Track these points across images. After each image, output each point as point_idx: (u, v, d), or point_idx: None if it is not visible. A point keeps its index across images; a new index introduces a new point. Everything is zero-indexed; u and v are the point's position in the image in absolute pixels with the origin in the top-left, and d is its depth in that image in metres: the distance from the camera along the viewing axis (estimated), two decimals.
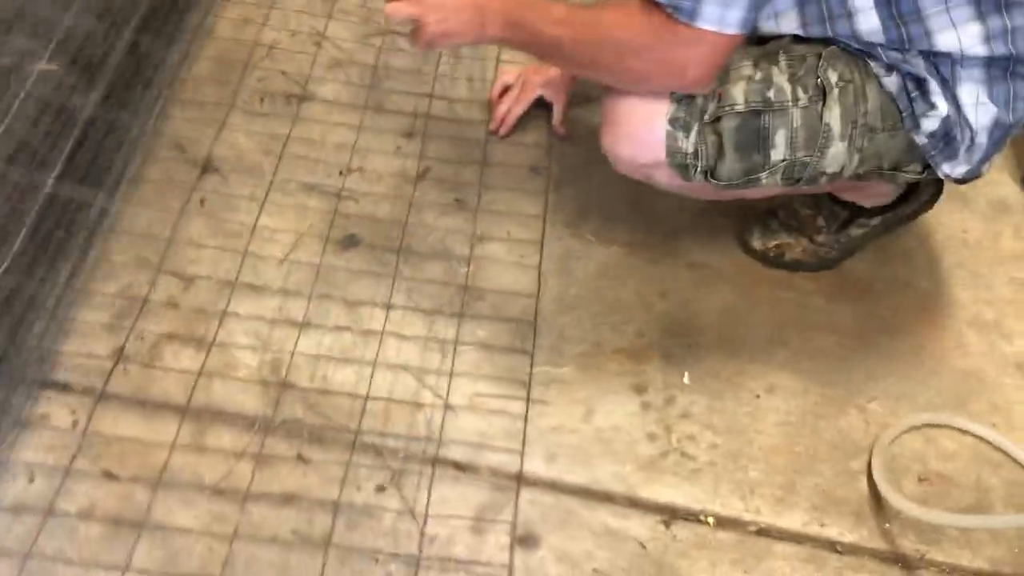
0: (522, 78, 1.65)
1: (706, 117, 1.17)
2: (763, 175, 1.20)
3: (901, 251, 1.57)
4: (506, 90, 1.68)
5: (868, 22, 1.14)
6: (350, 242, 1.51)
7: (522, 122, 1.69)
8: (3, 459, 1.19)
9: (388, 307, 1.41)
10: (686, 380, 1.38)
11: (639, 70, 1.13)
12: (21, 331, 1.27)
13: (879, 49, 1.16)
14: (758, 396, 1.37)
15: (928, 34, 1.12)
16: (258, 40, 1.80)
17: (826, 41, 1.19)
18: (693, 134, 1.18)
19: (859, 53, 1.18)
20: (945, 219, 1.60)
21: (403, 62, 1.78)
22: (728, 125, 1.17)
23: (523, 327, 1.41)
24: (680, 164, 1.20)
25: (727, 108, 1.17)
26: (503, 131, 1.67)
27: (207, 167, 1.59)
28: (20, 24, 1.34)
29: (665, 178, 1.24)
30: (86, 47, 1.41)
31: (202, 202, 1.54)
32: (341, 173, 1.61)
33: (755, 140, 1.17)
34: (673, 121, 1.18)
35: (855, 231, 1.47)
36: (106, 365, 1.31)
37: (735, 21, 1.06)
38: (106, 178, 1.47)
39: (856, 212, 1.45)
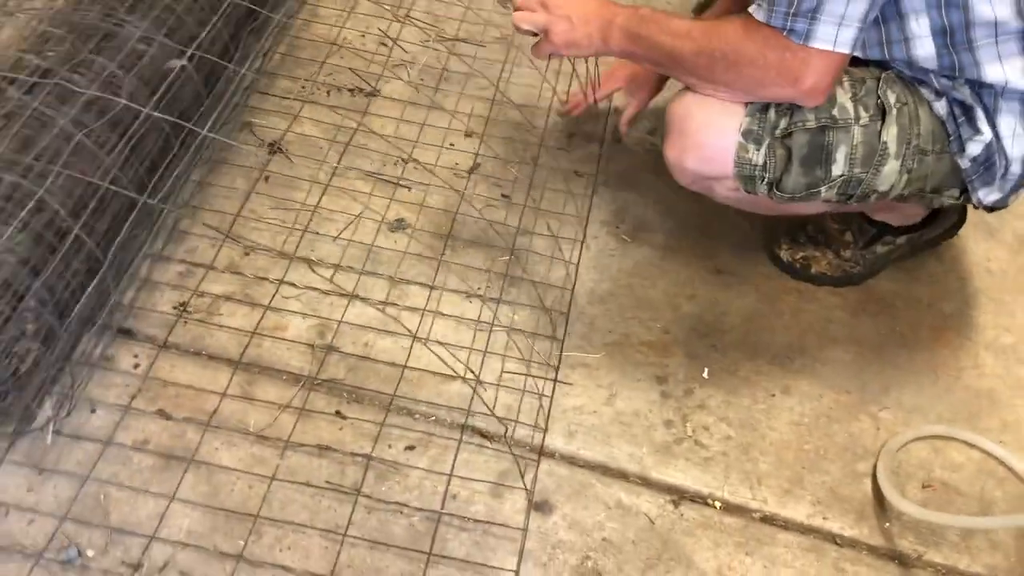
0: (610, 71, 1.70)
1: (777, 132, 1.24)
2: (823, 189, 1.26)
3: (926, 274, 1.62)
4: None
5: (924, 48, 1.22)
6: (400, 226, 1.61)
7: (572, 129, 1.78)
8: (70, 393, 1.30)
9: (431, 287, 1.51)
10: (705, 375, 1.45)
11: (756, 78, 1.20)
12: (96, 283, 1.39)
13: (931, 75, 1.24)
14: (773, 395, 1.44)
15: (977, 64, 1.20)
16: (328, 38, 1.92)
17: (881, 64, 1.27)
18: (764, 147, 1.24)
19: (912, 79, 1.26)
20: (971, 248, 1.66)
21: (464, 67, 1.89)
22: (798, 140, 1.24)
23: (556, 316, 1.50)
24: (747, 176, 1.27)
25: (799, 124, 1.24)
26: (575, 112, 1.74)
27: (275, 150, 1.70)
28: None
29: (726, 190, 1.32)
30: (196, 42, 1.53)
31: (267, 179, 1.66)
32: (397, 163, 1.72)
33: (819, 155, 1.24)
34: (746, 133, 1.25)
35: (880, 248, 1.54)
36: (169, 318, 1.42)
37: (847, 41, 1.14)
38: (189, 155, 1.58)
39: (884, 230, 1.52)
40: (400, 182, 1.68)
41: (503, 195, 1.68)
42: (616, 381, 1.43)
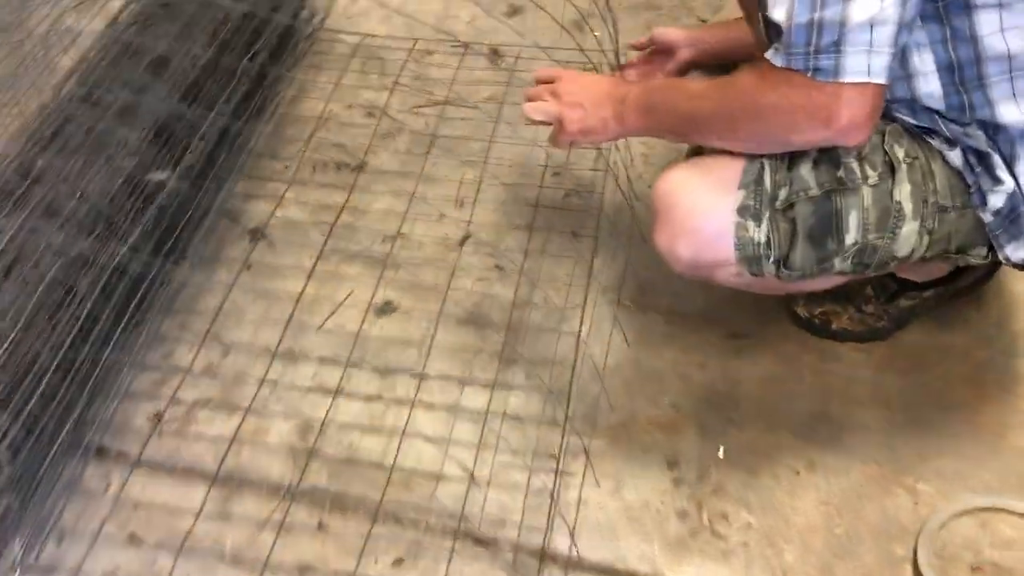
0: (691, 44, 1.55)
1: (778, 204, 1.13)
2: (836, 261, 1.14)
3: (959, 319, 1.49)
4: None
5: (929, 86, 1.10)
6: (388, 309, 1.53)
7: (570, 183, 1.69)
8: (38, 520, 1.22)
9: (420, 376, 1.42)
10: (721, 454, 1.33)
11: (784, 124, 1.06)
12: (67, 398, 1.32)
13: (939, 121, 1.12)
14: (797, 473, 1.31)
15: (990, 103, 1.08)
16: (314, 113, 1.86)
17: (881, 115, 1.15)
18: (765, 222, 1.13)
19: (918, 129, 1.14)
20: (1008, 285, 1.52)
21: (454, 131, 1.81)
22: (802, 211, 1.12)
23: (556, 396, 1.39)
24: (751, 257, 1.14)
25: (800, 193, 1.12)
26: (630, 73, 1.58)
27: (257, 237, 1.64)
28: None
29: (728, 275, 1.19)
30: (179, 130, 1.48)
31: (249, 268, 1.59)
32: (384, 240, 1.63)
33: (828, 224, 1.12)
34: (743, 210, 1.13)
35: (905, 302, 1.41)
36: (142, 431, 1.35)
37: (881, 69, 1.01)
38: (173, 250, 1.52)
39: (905, 284, 1.39)
40: (388, 261, 1.59)
41: (497, 266, 1.59)
42: (622, 468, 1.32)
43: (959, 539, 1.24)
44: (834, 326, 1.45)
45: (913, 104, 1.12)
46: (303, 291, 1.53)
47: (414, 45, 1.99)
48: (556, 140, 1.30)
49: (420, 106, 1.87)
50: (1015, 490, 1.29)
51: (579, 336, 1.45)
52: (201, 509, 1.26)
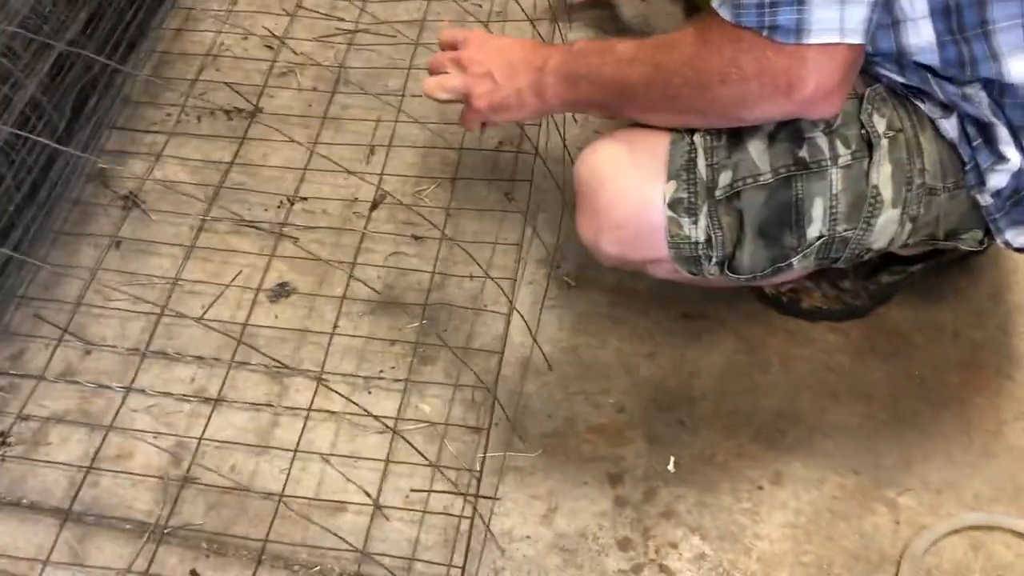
0: None
1: (718, 193, 0.91)
2: (795, 260, 0.93)
3: (950, 290, 1.28)
4: None
5: (919, 35, 0.86)
6: (282, 292, 1.29)
7: (502, 130, 1.44)
8: None
9: (319, 378, 1.19)
10: (671, 467, 1.13)
11: (734, 98, 0.84)
12: None
13: (931, 80, 0.88)
14: (760, 487, 1.12)
15: (995, 56, 0.84)
16: (202, 49, 1.58)
17: (862, 71, 0.91)
18: (703, 218, 0.91)
19: (906, 91, 0.91)
20: (1005, 252, 1.30)
21: (367, 63, 1.55)
22: (750, 202, 0.90)
23: (479, 398, 1.18)
24: (688, 257, 0.94)
25: (747, 180, 0.90)
26: None
27: (129, 205, 1.38)
28: None
29: (664, 272, 0.99)
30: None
31: (118, 245, 1.34)
32: (280, 205, 1.39)
33: (786, 216, 0.90)
34: (675, 204, 0.92)
35: (887, 278, 1.20)
36: None
37: (858, 23, 0.78)
38: (25, 218, 1.26)
39: (888, 258, 1.17)
40: (283, 231, 1.35)
41: (414, 236, 1.35)
42: (557, 488, 1.12)
43: (948, 564, 1.07)
44: (805, 304, 1.24)
45: (900, 59, 0.88)
46: (179, 272, 1.29)
47: None
48: (464, 120, 1.05)
49: (327, 36, 1.60)
50: (1011, 500, 1.11)
51: (507, 323, 1.22)
52: (49, 556, 1.05)
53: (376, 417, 1.07)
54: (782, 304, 1.26)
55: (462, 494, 1.09)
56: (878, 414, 1.18)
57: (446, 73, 1.04)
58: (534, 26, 1.50)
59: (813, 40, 0.78)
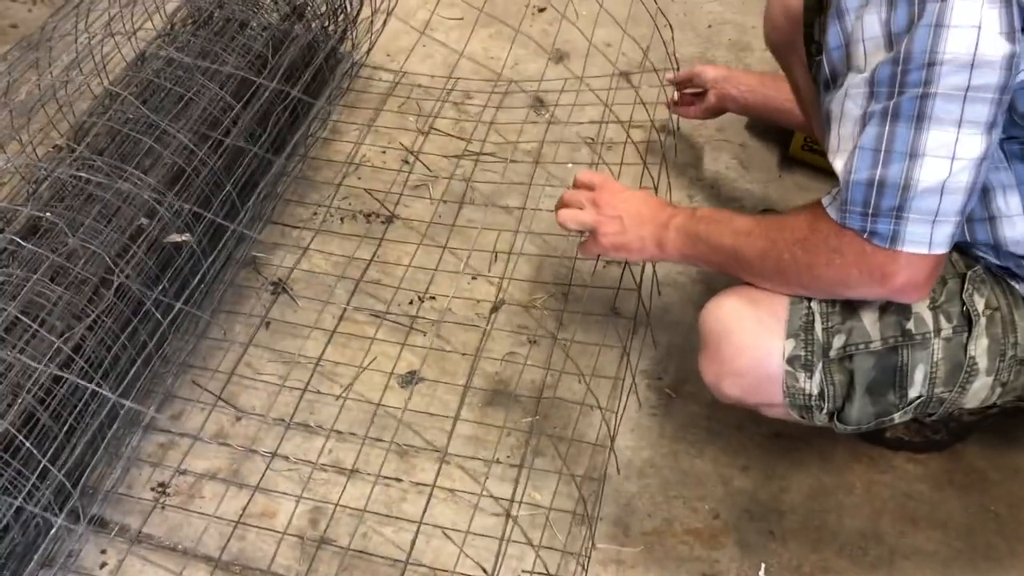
0: (716, 88, 1.62)
1: (832, 354, 1.04)
2: (896, 415, 1.05)
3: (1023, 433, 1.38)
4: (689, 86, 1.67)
5: (1015, 230, 1.00)
6: (411, 379, 1.44)
7: (606, 259, 1.59)
8: None
9: (443, 459, 1.32)
10: (762, 574, 1.23)
11: (835, 279, 0.98)
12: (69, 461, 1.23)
13: None
14: None
15: None
16: (345, 158, 1.77)
17: (962, 252, 1.05)
18: (817, 374, 1.04)
19: (1001, 272, 1.04)
20: None
21: (491, 180, 1.73)
22: (861, 365, 1.03)
23: (587, 491, 1.30)
24: (801, 406, 1.06)
25: (860, 346, 1.03)
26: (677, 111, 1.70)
27: (279, 291, 1.55)
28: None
29: (777, 414, 1.11)
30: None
31: (268, 326, 1.50)
32: (412, 303, 1.54)
33: (891, 379, 1.03)
34: (792, 360, 1.04)
35: (967, 418, 1.30)
36: (145, 503, 1.26)
37: (944, 240, 0.92)
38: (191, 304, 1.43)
39: None
40: (414, 326, 1.50)
41: (529, 340, 1.49)
42: None
43: None
44: (888, 434, 1.35)
45: (997, 247, 1.02)
46: (322, 354, 1.44)
47: (453, 86, 1.90)
48: (586, 249, 1.22)
49: (456, 155, 1.78)
50: None
51: (618, 423, 1.35)
52: None
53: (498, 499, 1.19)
54: (867, 433, 1.36)
55: None
56: (954, 542, 1.27)
57: (580, 208, 1.20)
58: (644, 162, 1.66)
59: (906, 249, 0.92)
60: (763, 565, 1.24)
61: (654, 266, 1.52)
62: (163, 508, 1.26)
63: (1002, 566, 1.24)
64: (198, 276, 1.29)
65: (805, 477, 1.33)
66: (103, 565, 1.20)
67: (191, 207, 1.29)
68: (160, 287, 1.23)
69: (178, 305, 1.21)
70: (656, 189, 1.51)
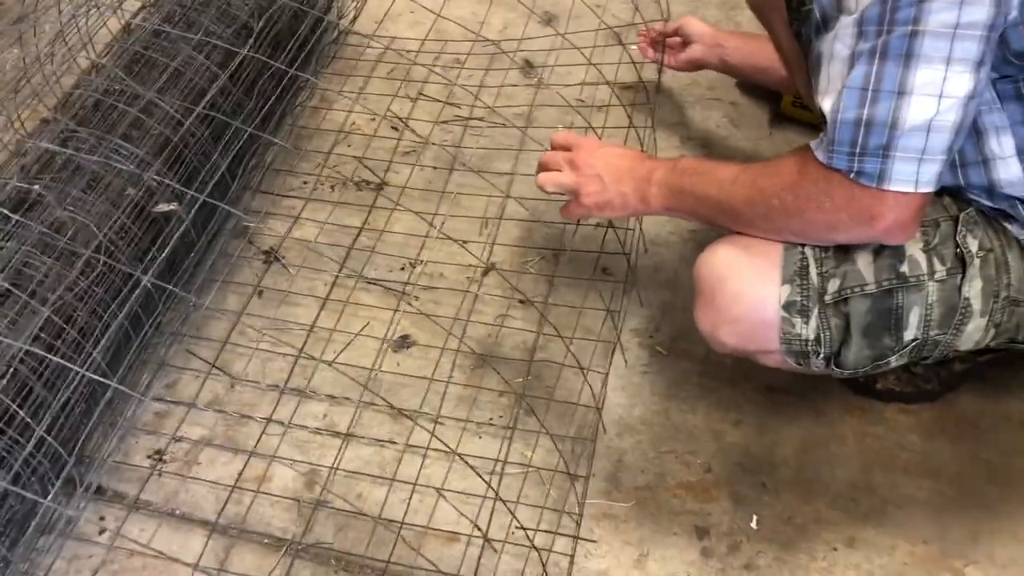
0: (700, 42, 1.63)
1: (827, 298, 1.04)
2: (892, 359, 1.06)
3: (1016, 383, 1.38)
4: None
5: (1008, 171, 1.00)
6: (404, 344, 1.44)
7: (600, 218, 1.59)
8: (24, 567, 1.15)
9: (436, 420, 1.33)
10: (754, 525, 1.24)
11: (824, 222, 0.99)
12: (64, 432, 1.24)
13: (1019, 206, 1.02)
14: (835, 549, 1.22)
15: None
16: (335, 125, 1.77)
17: (954, 196, 1.05)
18: (813, 319, 1.04)
19: (994, 214, 1.04)
20: None
21: (481, 145, 1.72)
22: (857, 308, 1.03)
23: (579, 449, 1.31)
24: (798, 351, 1.07)
25: (855, 289, 1.03)
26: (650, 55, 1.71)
27: (271, 259, 1.55)
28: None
29: (773, 361, 1.11)
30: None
31: (260, 294, 1.51)
32: (403, 268, 1.55)
33: (886, 322, 1.03)
34: (788, 306, 1.04)
35: (958, 366, 1.31)
36: (143, 470, 1.28)
37: (930, 178, 0.93)
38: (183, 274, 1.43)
39: None
40: (406, 291, 1.51)
41: (520, 300, 1.50)
42: (648, 536, 1.23)
43: None
44: (879, 385, 1.36)
45: (991, 190, 1.02)
46: (315, 321, 1.45)
47: (442, 49, 1.89)
48: (569, 211, 1.22)
49: (446, 120, 1.78)
50: None
51: (605, 384, 1.35)
52: (198, 562, 1.18)
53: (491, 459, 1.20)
54: (858, 385, 1.37)
55: (564, 535, 1.21)
56: (946, 490, 1.28)
57: (559, 171, 1.20)
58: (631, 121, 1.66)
59: (893, 188, 0.92)
60: (755, 517, 1.25)
61: (640, 224, 1.51)
62: (160, 475, 1.27)
63: (994, 512, 1.25)
64: (193, 251, 1.29)
65: (797, 430, 1.34)
66: (102, 531, 1.21)
67: (172, 181, 1.29)
68: (148, 257, 1.23)
69: (169, 287, 1.21)
70: (643, 147, 1.50)
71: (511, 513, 1.18)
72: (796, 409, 1.36)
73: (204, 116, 1.40)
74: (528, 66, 1.89)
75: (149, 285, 1.16)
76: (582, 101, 1.80)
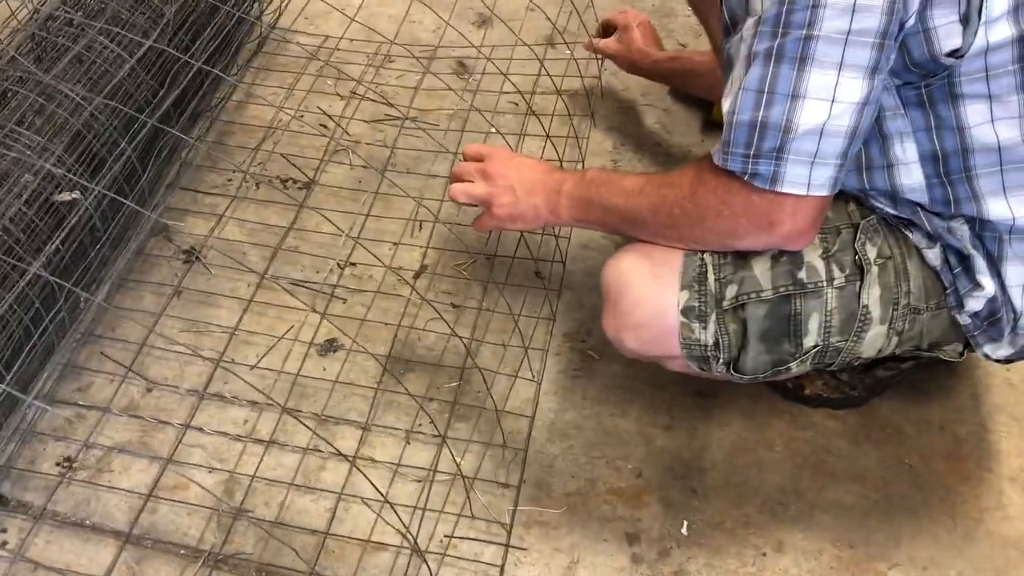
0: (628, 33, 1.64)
1: (725, 304, 1.04)
2: (793, 364, 1.06)
3: (936, 388, 1.41)
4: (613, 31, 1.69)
5: (910, 177, 1.01)
6: (331, 348, 1.40)
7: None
8: None
9: (364, 427, 1.30)
10: (684, 531, 1.23)
11: (725, 230, 0.99)
12: None
13: (920, 213, 1.03)
14: (764, 554, 1.22)
15: (976, 198, 0.99)
16: (263, 122, 1.72)
17: (860, 203, 1.06)
18: (711, 324, 1.04)
19: (896, 222, 1.05)
20: None
21: (413, 146, 1.69)
22: (754, 313, 1.03)
23: (509, 456, 1.29)
24: (699, 356, 1.07)
25: (752, 295, 1.03)
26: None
27: (191, 259, 1.50)
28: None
29: (679, 367, 1.11)
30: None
31: (179, 295, 1.45)
32: (332, 270, 1.51)
33: (785, 328, 1.04)
34: (687, 311, 1.05)
35: (882, 372, 1.32)
36: (50, 478, 1.21)
37: (824, 181, 0.92)
38: (96, 273, 1.37)
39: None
40: (334, 293, 1.47)
41: (453, 304, 1.47)
42: (579, 543, 1.21)
43: None
44: (807, 391, 1.37)
45: (894, 195, 1.03)
46: (238, 324, 1.40)
47: (376, 51, 1.86)
48: (481, 224, 1.21)
49: (378, 120, 1.75)
50: None
51: (538, 391, 1.34)
52: (109, 574, 1.12)
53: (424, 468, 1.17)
54: (787, 390, 1.38)
55: (494, 543, 1.19)
56: (871, 495, 1.29)
57: (471, 181, 1.18)
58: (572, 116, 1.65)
59: (785, 190, 0.93)
60: (685, 522, 1.24)
61: (570, 230, 1.50)
62: (69, 483, 1.21)
63: (916, 515, 1.27)
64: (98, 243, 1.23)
65: (727, 434, 1.34)
66: (3, 544, 1.15)
67: (77, 167, 1.23)
68: (49, 247, 1.16)
69: (67, 286, 1.15)
70: (580, 151, 1.49)
71: (453, 521, 1.15)
72: (725, 413, 1.36)
73: (113, 107, 1.34)
74: (462, 68, 1.87)
75: (46, 278, 1.10)
76: (515, 104, 1.79)
